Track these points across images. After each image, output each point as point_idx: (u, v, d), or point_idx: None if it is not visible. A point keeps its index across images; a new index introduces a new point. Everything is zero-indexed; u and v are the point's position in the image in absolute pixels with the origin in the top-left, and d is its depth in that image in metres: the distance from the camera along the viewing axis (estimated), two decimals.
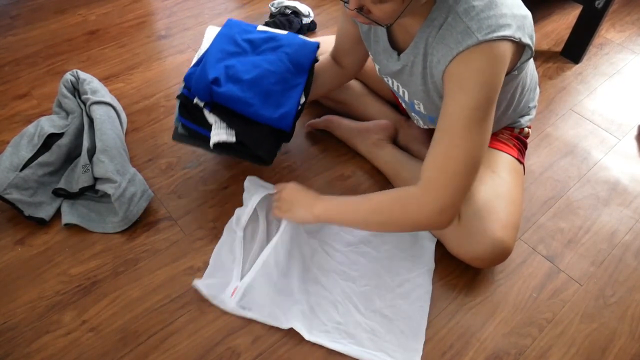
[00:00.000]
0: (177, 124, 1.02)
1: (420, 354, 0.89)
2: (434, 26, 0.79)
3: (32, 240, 1.03)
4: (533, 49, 0.80)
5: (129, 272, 0.99)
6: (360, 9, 0.76)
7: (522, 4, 0.80)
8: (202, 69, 0.95)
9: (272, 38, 1.03)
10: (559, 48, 1.59)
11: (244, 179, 1.13)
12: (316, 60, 1.06)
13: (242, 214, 1.02)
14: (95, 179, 1.08)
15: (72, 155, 1.14)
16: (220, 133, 0.95)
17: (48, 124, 1.13)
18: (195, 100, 0.95)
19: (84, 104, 1.17)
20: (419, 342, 0.90)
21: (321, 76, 1.07)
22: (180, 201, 1.12)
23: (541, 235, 1.09)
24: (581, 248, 1.08)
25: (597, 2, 1.42)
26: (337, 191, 1.15)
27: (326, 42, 1.21)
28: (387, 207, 0.85)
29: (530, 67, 0.96)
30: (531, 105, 1.08)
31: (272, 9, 1.61)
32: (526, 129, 1.10)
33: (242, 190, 1.13)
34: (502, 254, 0.94)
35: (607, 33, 1.68)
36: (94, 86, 1.21)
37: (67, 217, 1.05)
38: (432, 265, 0.99)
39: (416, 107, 0.97)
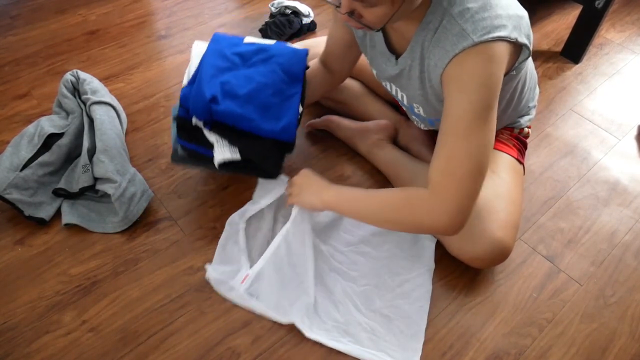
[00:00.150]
0: (175, 145, 1.00)
1: (420, 353, 0.89)
2: (430, 29, 0.79)
3: (32, 240, 1.03)
4: (530, 48, 0.80)
5: (129, 272, 0.99)
6: (352, 13, 0.76)
7: (518, 4, 0.80)
8: (197, 89, 0.93)
9: (262, 49, 1.02)
10: (559, 48, 1.59)
11: (244, 178, 1.14)
12: (307, 67, 1.06)
13: (248, 209, 1.02)
14: (96, 179, 1.08)
15: (72, 155, 1.14)
16: (223, 151, 0.94)
17: (48, 124, 1.13)
18: (194, 120, 0.94)
19: (84, 104, 1.17)
20: (418, 342, 0.90)
21: (312, 83, 1.06)
22: (180, 201, 1.12)
23: (541, 235, 1.10)
24: (581, 248, 1.08)
25: (597, 2, 1.42)
26: None
27: (314, 45, 1.22)
28: (396, 206, 0.84)
29: (529, 67, 0.96)
30: (531, 105, 1.08)
31: (272, 9, 1.61)
32: (526, 129, 1.10)
33: (242, 190, 1.13)
34: (501, 254, 0.94)
35: (607, 33, 1.68)
36: (94, 86, 1.21)
37: (67, 217, 1.05)
38: (432, 265, 0.99)
39: (415, 110, 0.97)
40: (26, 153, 1.08)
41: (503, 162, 1.01)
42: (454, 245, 0.98)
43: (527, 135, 1.11)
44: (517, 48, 0.78)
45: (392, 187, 1.14)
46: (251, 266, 0.94)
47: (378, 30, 0.81)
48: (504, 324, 0.95)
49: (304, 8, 1.60)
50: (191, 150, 0.98)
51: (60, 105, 1.20)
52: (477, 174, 0.78)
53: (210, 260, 1.01)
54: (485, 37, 0.72)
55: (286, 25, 1.56)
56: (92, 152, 1.10)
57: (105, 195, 1.08)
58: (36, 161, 1.07)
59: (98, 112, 1.15)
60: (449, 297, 0.98)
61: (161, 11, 1.69)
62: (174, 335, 0.91)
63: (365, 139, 1.19)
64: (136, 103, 1.34)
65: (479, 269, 1.01)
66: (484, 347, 0.91)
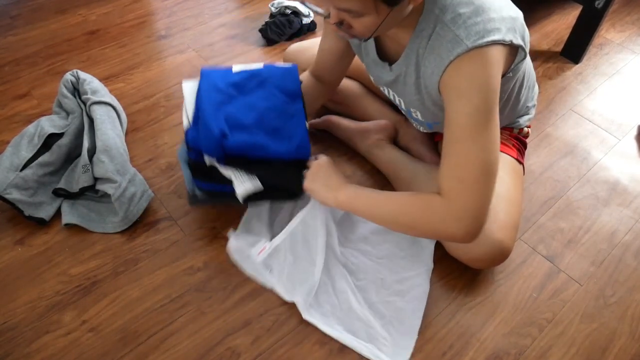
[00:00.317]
0: (191, 188, 1.00)
1: (411, 351, 0.89)
2: (423, 37, 0.79)
3: (32, 240, 1.03)
4: (527, 49, 0.80)
5: (129, 272, 0.99)
6: (341, 23, 0.76)
7: (512, 5, 0.79)
8: (204, 128, 0.93)
9: (253, 75, 1.02)
10: (559, 48, 1.59)
11: None
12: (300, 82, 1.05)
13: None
14: (96, 179, 1.08)
15: (72, 155, 1.14)
16: (244, 184, 0.94)
17: (48, 124, 1.13)
18: (208, 160, 0.94)
19: (84, 104, 1.17)
20: (410, 340, 0.90)
21: (307, 96, 1.06)
22: (180, 201, 1.12)
23: (541, 235, 1.10)
24: (581, 248, 1.08)
25: (597, 2, 1.42)
26: None
27: (313, 46, 1.22)
28: (414, 214, 0.83)
29: (527, 66, 0.96)
30: (530, 104, 1.08)
31: (272, 9, 1.61)
32: (525, 129, 1.10)
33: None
34: (501, 254, 0.94)
35: (607, 33, 1.68)
36: (94, 86, 1.21)
37: (67, 217, 1.05)
38: (430, 265, 0.99)
39: (413, 114, 0.97)
40: (26, 153, 1.08)
41: (503, 163, 1.01)
42: (454, 246, 0.98)
43: (526, 135, 1.11)
44: (513, 50, 0.78)
45: (392, 187, 1.14)
46: (271, 239, 0.95)
47: (367, 40, 0.82)
48: (504, 324, 0.95)
49: (303, 8, 1.60)
50: (210, 190, 0.99)
51: (60, 105, 1.20)
52: (488, 179, 0.77)
53: (209, 261, 1.01)
54: (479, 41, 0.72)
55: (286, 25, 1.56)
56: (92, 152, 1.10)
57: (105, 195, 1.08)
58: (36, 161, 1.07)
59: (98, 112, 1.15)
60: (449, 297, 0.98)
61: (161, 11, 1.69)
62: (174, 335, 0.91)
63: (365, 139, 1.19)
64: (136, 103, 1.34)
65: (479, 269, 1.01)
66: (484, 347, 0.92)
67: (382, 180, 1.17)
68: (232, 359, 0.88)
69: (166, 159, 1.21)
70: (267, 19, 1.61)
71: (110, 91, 1.28)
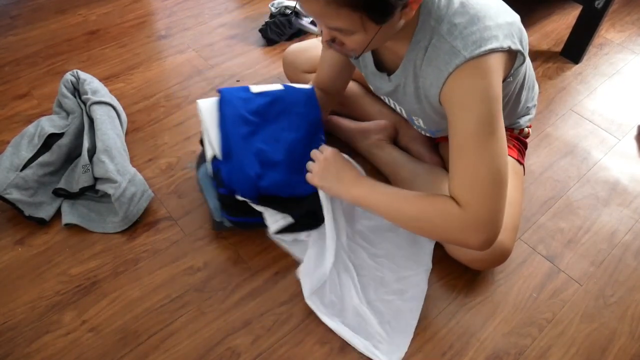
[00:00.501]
0: (219, 219, 1.01)
1: (405, 350, 0.89)
2: (420, 48, 0.79)
3: (32, 240, 1.03)
4: (525, 53, 0.80)
5: (129, 272, 0.99)
6: (333, 41, 0.77)
7: (508, 9, 0.79)
8: (239, 170, 0.94)
9: (274, 100, 1.02)
10: (559, 48, 1.59)
11: None
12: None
13: None
14: (96, 179, 1.08)
15: (72, 155, 1.14)
16: (276, 220, 0.97)
17: (48, 124, 1.13)
18: (239, 196, 0.95)
19: (84, 104, 1.17)
20: (406, 338, 0.90)
21: None
22: (180, 201, 1.12)
23: (541, 235, 1.10)
24: (581, 248, 1.08)
25: (597, 2, 1.43)
26: None
27: (313, 46, 1.21)
28: (432, 220, 0.80)
29: (527, 67, 0.96)
30: (530, 104, 1.08)
31: (272, 9, 1.61)
32: (526, 129, 1.10)
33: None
34: (500, 256, 0.94)
35: (607, 33, 1.68)
36: (94, 86, 1.21)
37: (67, 217, 1.05)
38: (429, 265, 0.99)
39: (416, 122, 0.97)
40: (26, 153, 1.08)
41: None
42: (454, 248, 0.98)
43: (527, 135, 1.11)
44: (512, 55, 0.78)
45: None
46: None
47: (357, 57, 0.81)
48: (504, 324, 0.95)
49: None
50: (240, 222, 1.01)
51: (60, 105, 1.20)
52: (500, 187, 0.76)
53: (209, 261, 1.01)
54: (477, 51, 0.72)
55: (286, 25, 1.56)
56: (92, 152, 1.10)
57: (106, 195, 1.08)
58: (36, 161, 1.07)
59: (98, 112, 1.15)
60: (449, 297, 0.98)
61: (161, 11, 1.69)
62: (174, 335, 0.91)
63: (365, 139, 1.19)
64: (136, 103, 1.34)
65: (479, 270, 1.01)
66: (484, 347, 0.92)
67: (381, 180, 1.17)
68: (232, 359, 0.88)
69: (166, 159, 1.21)
70: (267, 19, 1.61)
71: (111, 91, 1.28)
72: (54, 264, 1.00)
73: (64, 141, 1.12)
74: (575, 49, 1.54)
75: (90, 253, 1.02)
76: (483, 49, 0.72)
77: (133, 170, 1.10)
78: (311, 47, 1.25)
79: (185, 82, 1.42)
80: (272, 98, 1.02)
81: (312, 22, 1.61)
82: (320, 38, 0.80)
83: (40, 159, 1.08)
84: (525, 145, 1.11)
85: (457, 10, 0.74)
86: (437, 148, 1.17)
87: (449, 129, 0.79)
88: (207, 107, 1.02)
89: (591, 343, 0.93)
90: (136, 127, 1.28)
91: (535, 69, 1.51)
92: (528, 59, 0.88)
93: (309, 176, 0.95)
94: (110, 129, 1.14)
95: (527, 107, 1.07)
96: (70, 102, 1.17)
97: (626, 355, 0.92)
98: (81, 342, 0.89)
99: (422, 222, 0.82)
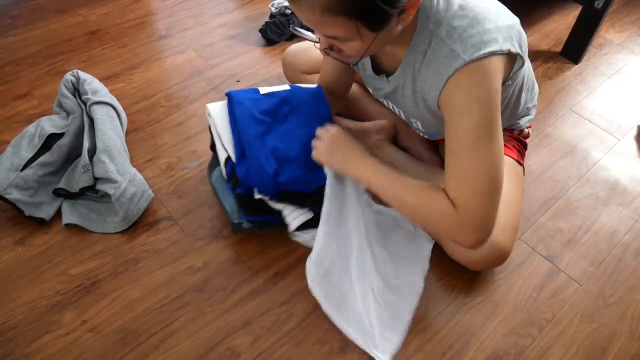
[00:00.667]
0: (238, 220, 1.00)
1: (395, 347, 0.89)
2: (419, 52, 0.78)
3: (32, 240, 1.03)
4: (525, 56, 0.80)
5: (129, 272, 0.99)
6: (331, 48, 0.77)
7: (507, 12, 0.79)
8: (257, 167, 0.94)
9: (283, 101, 1.02)
10: (559, 48, 1.59)
11: None
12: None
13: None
14: (96, 179, 1.08)
15: (72, 155, 1.14)
16: (297, 216, 0.96)
17: (48, 124, 1.13)
18: (258, 195, 0.95)
19: (85, 104, 1.17)
20: (397, 335, 0.90)
21: None
22: (180, 201, 1.12)
23: (541, 235, 1.10)
24: (581, 248, 1.08)
25: (596, 3, 1.43)
26: None
27: (313, 46, 1.21)
28: (426, 212, 0.81)
29: (526, 69, 0.96)
30: (530, 105, 1.08)
31: (272, 9, 1.61)
32: (526, 130, 1.10)
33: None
34: (500, 257, 0.94)
35: (607, 33, 1.69)
36: (95, 86, 1.21)
37: (68, 217, 1.05)
38: (426, 266, 0.98)
39: (414, 124, 0.97)
40: (27, 153, 1.08)
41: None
42: (453, 249, 0.98)
43: (527, 136, 1.11)
44: (511, 58, 0.78)
45: None
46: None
47: (356, 64, 0.82)
48: (504, 323, 0.95)
49: None
50: (259, 221, 1.00)
51: (60, 106, 1.20)
52: (494, 191, 0.77)
53: (209, 261, 1.01)
54: (477, 54, 0.71)
55: (286, 25, 1.56)
56: (92, 152, 1.10)
57: (106, 196, 1.08)
58: (37, 161, 1.08)
59: (98, 112, 1.15)
60: (449, 297, 0.98)
61: (161, 11, 1.69)
62: (174, 335, 0.91)
63: (365, 139, 1.19)
64: (136, 103, 1.35)
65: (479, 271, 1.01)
66: (484, 347, 0.92)
67: None
68: (232, 359, 0.88)
69: (166, 159, 1.21)
70: (267, 19, 1.61)
71: (111, 91, 1.28)
72: (54, 264, 1.00)
73: (64, 141, 1.12)
74: (575, 49, 1.55)
75: (90, 253, 1.02)
76: (483, 52, 0.71)
77: (133, 170, 1.11)
78: (311, 48, 1.26)
79: (185, 82, 1.42)
80: (280, 98, 1.02)
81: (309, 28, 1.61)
82: (318, 45, 0.80)
83: (41, 159, 1.08)
84: (525, 146, 1.11)
85: (456, 14, 0.74)
86: (437, 148, 1.17)
87: (446, 132, 0.78)
88: (217, 111, 1.02)
89: (591, 343, 0.93)
90: (136, 127, 1.28)
91: (535, 69, 1.51)
92: (528, 61, 0.88)
93: (315, 154, 0.94)
94: (110, 129, 1.14)
95: (527, 107, 1.07)
96: (70, 102, 1.17)
97: (626, 355, 0.92)
98: (81, 342, 0.89)
99: (418, 214, 0.83)
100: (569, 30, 1.54)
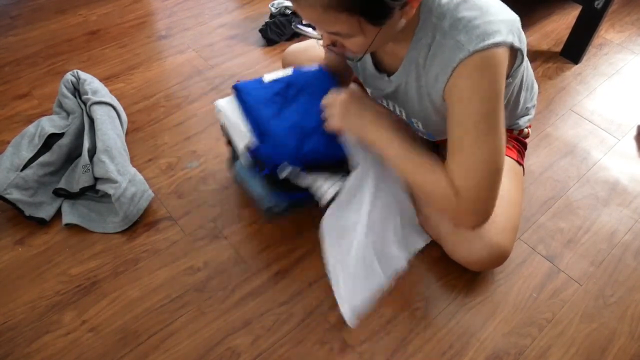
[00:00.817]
0: (268, 202, 0.99)
1: (355, 312, 0.91)
2: (422, 46, 0.78)
3: (32, 240, 1.03)
4: (524, 53, 0.80)
5: (129, 272, 0.99)
6: (334, 44, 0.77)
7: (508, 9, 0.79)
8: (278, 143, 0.93)
9: (289, 84, 1.02)
10: (559, 48, 1.59)
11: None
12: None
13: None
14: (96, 179, 1.08)
15: (72, 155, 1.14)
16: (327, 190, 0.95)
17: (49, 124, 1.13)
18: (284, 173, 0.93)
19: (85, 104, 1.17)
20: (361, 300, 0.91)
21: None
22: (180, 201, 1.12)
23: (541, 235, 1.10)
24: (581, 248, 1.08)
25: (596, 3, 1.43)
26: None
27: (312, 46, 1.21)
28: (431, 193, 0.84)
29: (526, 68, 0.96)
30: (529, 105, 1.08)
31: (272, 9, 1.61)
32: (525, 130, 1.10)
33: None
34: (499, 257, 0.94)
35: (607, 33, 1.69)
36: (95, 86, 1.21)
37: (68, 217, 1.05)
38: (410, 256, 0.97)
39: (415, 125, 0.97)
40: (27, 153, 1.08)
41: None
42: (452, 249, 0.98)
43: (526, 136, 1.11)
44: (514, 52, 0.78)
45: None
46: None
47: (360, 59, 0.81)
48: (504, 323, 0.95)
49: None
50: (291, 200, 0.99)
51: (60, 106, 1.20)
52: (494, 179, 0.79)
53: (209, 261, 1.01)
54: (481, 44, 0.71)
55: (286, 26, 1.56)
56: (92, 152, 1.10)
57: (106, 196, 1.08)
58: (37, 161, 1.08)
59: (98, 112, 1.15)
60: (449, 297, 0.98)
61: (161, 11, 1.69)
62: (174, 335, 0.91)
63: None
64: (136, 103, 1.35)
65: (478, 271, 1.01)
66: (484, 347, 0.92)
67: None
68: (232, 359, 0.88)
69: (166, 159, 1.21)
70: (267, 19, 1.61)
71: (111, 91, 1.28)
72: (54, 264, 1.00)
73: (64, 141, 1.12)
74: (575, 49, 1.55)
75: (91, 253, 1.02)
76: (487, 42, 0.72)
77: (133, 170, 1.11)
78: (311, 48, 1.25)
79: (185, 82, 1.42)
80: (286, 82, 1.02)
81: (310, 25, 1.61)
82: (320, 42, 0.80)
83: (41, 159, 1.08)
84: (524, 146, 1.11)
85: (459, 6, 0.74)
86: (437, 149, 1.17)
87: (449, 122, 0.79)
88: (227, 105, 1.02)
89: (591, 343, 0.93)
90: (136, 127, 1.28)
91: (535, 69, 1.51)
92: (527, 60, 0.88)
93: (328, 123, 0.92)
94: (110, 129, 1.14)
95: (527, 107, 1.07)
96: (70, 102, 1.18)
97: (626, 355, 0.92)
98: (81, 342, 0.89)
99: (422, 193, 0.87)
100: (569, 30, 1.54)
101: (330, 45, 0.77)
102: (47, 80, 1.40)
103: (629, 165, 1.26)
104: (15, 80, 1.40)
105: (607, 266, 1.05)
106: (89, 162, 1.08)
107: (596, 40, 1.64)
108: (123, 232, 1.05)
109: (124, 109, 1.28)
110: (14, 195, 1.03)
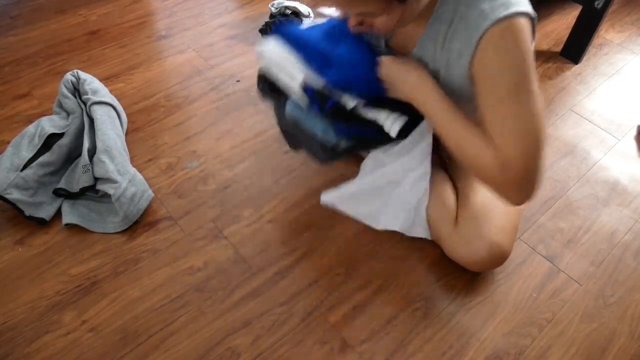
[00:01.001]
0: (334, 140, 0.94)
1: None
2: (443, 22, 0.78)
3: (32, 240, 1.03)
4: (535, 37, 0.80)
5: (129, 272, 0.99)
6: (361, 24, 0.77)
7: None
8: (349, 65, 0.88)
9: (332, 26, 0.96)
10: (559, 48, 1.59)
11: (244, 179, 1.14)
12: None
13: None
14: (96, 179, 1.08)
15: (72, 155, 1.14)
16: (394, 121, 0.90)
17: (49, 124, 1.13)
18: (351, 103, 0.89)
19: (85, 104, 1.17)
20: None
21: None
22: (180, 201, 1.12)
23: (541, 235, 1.10)
24: (581, 248, 1.08)
25: (596, 3, 1.43)
26: None
27: None
28: (478, 169, 0.80)
29: None
30: None
31: (272, 9, 1.61)
32: None
33: (242, 190, 1.14)
34: (499, 258, 0.94)
35: (607, 33, 1.69)
36: (95, 86, 1.21)
37: (68, 217, 1.05)
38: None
39: None
40: (27, 153, 1.08)
41: None
42: (452, 249, 0.98)
43: None
44: (532, 28, 0.77)
45: None
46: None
47: (390, 35, 0.81)
48: (504, 323, 0.95)
49: (304, 8, 1.60)
50: (357, 135, 0.93)
51: (60, 106, 1.20)
52: (540, 145, 0.75)
53: (209, 261, 1.01)
54: (505, 12, 0.71)
55: None
56: (92, 152, 1.10)
57: (106, 196, 1.08)
58: (37, 161, 1.08)
59: (98, 112, 1.15)
60: (449, 297, 0.98)
61: (161, 11, 1.69)
62: (174, 335, 0.91)
63: None
64: (136, 103, 1.35)
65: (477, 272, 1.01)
66: (484, 347, 0.92)
67: None
68: (232, 359, 0.88)
69: (166, 159, 1.21)
70: (267, 19, 1.61)
71: (111, 91, 1.28)
72: (54, 264, 1.00)
73: (64, 141, 1.12)
74: (574, 49, 1.55)
75: (91, 253, 1.02)
76: (511, 10, 0.71)
77: (133, 170, 1.11)
78: None
79: (185, 82, 1.42)
80: (329, 25, 0.96)
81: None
82: None
83: (41, 159, 1.08)
84: None
85: None
86: (437, 149, 1.17)
87: (482, 96, 0.77)
88: (271, 47, 0.96)
89: (591, 343, 0.93)
90: (136, 127, 1.28)
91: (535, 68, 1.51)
92: None
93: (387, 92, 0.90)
94: (110, 129, 1.14)
95: None
96: (70, 102, 1.18)
97: (626, 355, 0.92)
98: (81, 342, 0.89)
99: (467, 158, 0.81)
100: (569, 30, 1.54)
101: (358, 25, 0.77)
102: (47, 80, 1.40)
103: (629, 165, 1.26)
104: (15, 80, 1.40)
105: (607, 266, 1.05)
106: (89, 162, 1.08)
107: (596, 40, 1.64)
108: (123, 232, 1.05)
109: (124, 109, 1.28)
110: (14, 195, 1.03)
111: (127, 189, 1.05)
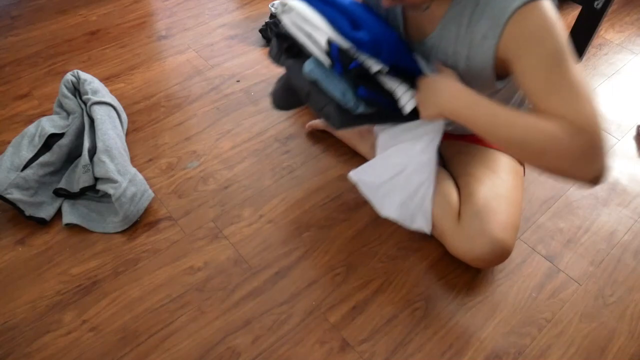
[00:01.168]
0: (352, 101, 0.91)
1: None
2: (468, 5, 0.78)
3: (32, 240, 1.04)
4: None
5: (129, 272, 0.99)
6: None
7: None
8: (380, 28, 0.87)
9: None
10: None
11: (244, 179, 1.14)
12: None
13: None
14: (96, 179, 1.08)
15: (72, 155, 1.14)
16: (411, 97, 0.89)
17: (49, 124, 1.14)
18: (376, 66, 0.86)
19: (85, 104, 1.18)
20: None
21: None
22: (180, 201, 1.12)
23: (540, 235, 1.10)
24: (580, 248, 1.08)
25: (596, 3, 1.43)
26: (337, 191, 1.15)
27: None
28: (538, 151, 0.73)
29: None
30: (531, 105, 1.08)
31: (272, 9, 1.61)
32: None
33: (243, 190, 1.14)
34: (502, 254, 0.94)
35: (606, 33, 1.69)
36: (95, 86, 1.21)
37: (68, 217, 1.05)
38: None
39: None
40: (27, 153, 1.08)
41: (503, 163, 1.02)
42: (454, 246, 0.98)
43: None
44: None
45: None
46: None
47: (427, 7, 0.81)
48: (504, 323, 0.95)
49: None
50: (375, 100, 0.91)
51: (61, 106, 1.20)
52: (597, 104, 0.71)
53: (209, 261, 1.01)
54: None
55: None
56: (92, 152, 1.10)
57: (106, 195, 1.08)
58: (37, 161, 1.08)
59: (99, 112, 1.15)
60: (449, 296, 0.98)
61: (162, 11, 1.69)
62: (174, 335, 0.91)
63: (366, 140, 1.19)
64: (137, 103, 1.35)
65: (479, 268, 1.01)
66: (484, 346, 0.92)
67: None
68: (232, 358, 0.88)
69: (166, 159, 1.21)
70: (267, 19, 1.61)
71: (111, 91, 1.28)
72: (54, 263, 1.00)
73: (64, 141, 1.12)
74: (574, 49, 1.54)
75: (91, 253, 1.02)
76: None
77: (133, 170, 1.11)
78: None
79: (185, 82, 1.42)
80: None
81: None
82: None
83: (41, 159, 1.08)
84: None
85: None
86: (439, 149, 1.17)
87: (523, 75, 0.75)
88: (298, 4, 0.94)
89: (590, 342, 0.93)
90: (136, 127, 1.28)
91: None
92: None
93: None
94: (110, 129, 1.14)
95: (529, 107, 1.07)
96: (70, 102, 1.18)
97: (625, 355, 0.92)
98: (81, 342, 0.89)
99: (528, 146, 0.75)
100: (568, 31, 1.54)
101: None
102: (48, 81, 1.40)
103: (628, 165, 1.26)
104: (15, 81, 1.40)
105: (607, 266, 1.05)
106: (89, 162, 1.08)
107: (596, 40, 1.64)
108: (123, 232, 1.05)
109: (124, 109, 1.29)
110: (15, 195, 1.03)
111: (128, 189, 1.05)
